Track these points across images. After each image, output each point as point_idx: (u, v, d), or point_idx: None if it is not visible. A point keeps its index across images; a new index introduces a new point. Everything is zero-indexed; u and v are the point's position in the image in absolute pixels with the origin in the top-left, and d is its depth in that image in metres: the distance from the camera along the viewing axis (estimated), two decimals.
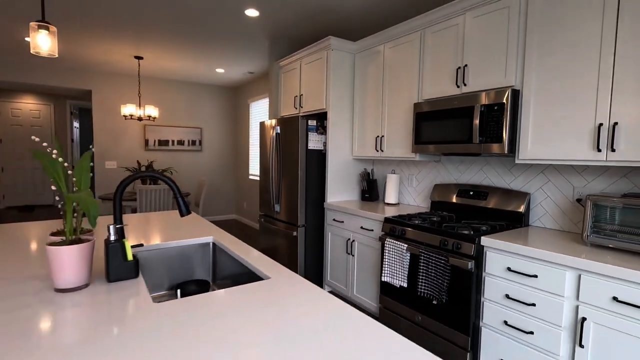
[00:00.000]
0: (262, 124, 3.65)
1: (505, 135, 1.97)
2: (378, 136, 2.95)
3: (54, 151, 1.08)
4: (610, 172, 1.90)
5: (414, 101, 2.61)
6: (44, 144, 1.16)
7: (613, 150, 1.63)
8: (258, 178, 5.93)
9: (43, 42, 1.61)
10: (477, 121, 2.09)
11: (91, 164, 1.16)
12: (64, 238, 1.10)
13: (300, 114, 3.49)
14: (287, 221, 3.28)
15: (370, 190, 3.23)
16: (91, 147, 1.33)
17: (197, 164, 6.32)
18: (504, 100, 1.97)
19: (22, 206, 7.62)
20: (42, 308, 0.93)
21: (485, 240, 1.85)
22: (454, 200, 2.57)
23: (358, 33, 3.57)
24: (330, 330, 0.84)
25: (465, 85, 2.24)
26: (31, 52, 1.59)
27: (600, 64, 1.67)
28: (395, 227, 2.34)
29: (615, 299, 1.41)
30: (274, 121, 3.41)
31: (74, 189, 1.12)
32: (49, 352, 0.73)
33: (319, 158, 3.20)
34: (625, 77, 1.59)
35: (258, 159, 5.74)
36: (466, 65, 2.23)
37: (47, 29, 1.61)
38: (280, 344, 0.77)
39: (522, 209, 2.18)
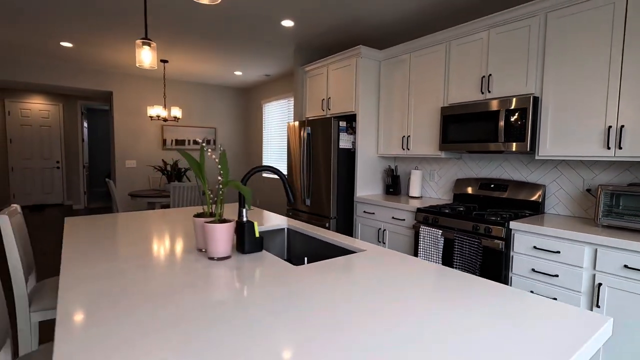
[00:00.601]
0: (290, 125, 3.93)
1: (527, 136, 2.32)
2: (404, 136, 3.28)
3: (209, 150, 1.36)
4: (615, 166, 2.27)
5: (440, 105, 2.94)
6: (205, 146, 1.43)
7: (620, 148, 1.99)
8: (272, 176, 6.20)
9: (146, 56, 1.87)
10: (502, 123, 2.44)
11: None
12: (208, 218, 1.39)
13: (327, 116, 3.79)
14: (317, 214, 3.58)
15: (395, 185, 3.56)
16: (221, 147, 1.61)
17: (212, 162, 6.54)
18: (526, 106, 2.31)
19: (32, 205, 7.69)
20: (211, 270, 1.21)
21: (513, 224, 2.20)
22: (476, 192, 2.92)
23: (380, 41, 3.88)
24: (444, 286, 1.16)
25: (489, 92, 2.59)
26: (136, 65, 1.85)
27: (609, 76, 2.03)
28: (428, 216, 2.67)
29: (625, 266, 1.77)
30: (304, 122, 3.70)
31: (219, 181, 1.40)
32: (240, 298, 1.02)
33: (348, 156, 3.50)
34: (630, 88, 1.95)
35: (272, 156, 6.01)
36: (490, 74, 2.58)
37: (149, 45, 1.88)
38: (411, 289, 1.08)
39: (539, 198, 2.54)
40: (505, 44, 2.50)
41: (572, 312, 0.90)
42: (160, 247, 1.47)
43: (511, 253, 2.23)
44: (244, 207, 1.47)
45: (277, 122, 6.07)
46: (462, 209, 2.66)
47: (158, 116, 4.75)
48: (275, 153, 6.17)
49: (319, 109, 3.89)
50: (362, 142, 3.45)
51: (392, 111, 3.39)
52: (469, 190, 2.97)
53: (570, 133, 2.20)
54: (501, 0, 2.85)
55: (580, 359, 0.72)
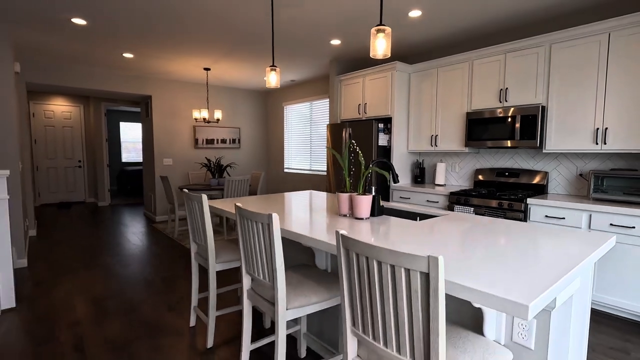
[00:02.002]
0: (330, 126, 4.62)
1: (537, 135, 3.12)
2: (432, 135, 4.04)
3: (346, 150, 2.05)
4: (601, 156, 3.10)
5: (464, 110, 3.72)
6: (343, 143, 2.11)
7: (605, 143, 2.81)
8: (294, 171, 6.86)
9: (273, 78, 2.53)
10: (518, 125, 3.23)
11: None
12: (353, 193, 2.08)
13: (364, 118, 4.50)
14: None
15: (422, 176, 4.33)
16: (354, 144, 2.30)
17: (237, 159, 7.13)
18: (536, 113, 3.11)
19: (58, 203, 8.01)
20: (361, 224, 1.91)
21: (530, 200, 2.99)
22: (493, 179, 3.72)
23: (404, 56, 4.62)
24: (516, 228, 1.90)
25: (506, 101, 3.38)
26: (266, 86, 2.50)
27: (597, 91, 2.85)
28: (460, 198, 3.45)
29: (611, 224, 2.59)
30: (345, 124, 4.39)
31: (352, 168, 2.09)
32: (386, 235, 1.73)
33: (384, 152, 4.23)
34: (612, 100, 2.77)
35: (291, 154, 6.66)
36: (507, 88, 3.37)
37: (275, 70, 2.53)
38: (485, 225, 1.82)
39: (544, 182, 3.35)
40: (518, 65, 3.29)
41: (592, 234, 1.66)
42: (318, 214, 2.15)
43: (528, 221, 3.03)
44: (373, 186, 2.17)
45: (298, 123, 6.73)
46: (485, 191, 3.45)
47: (204, 119, 5.32)
48: (296, 150, 6.83)
49: (355, 112, 4.60)
50: (396, 140, 4.19)
51: (421, 114, 4.15)
52: (487, 177, 3.77)
53: (569, 133, 3.01)
54: (512, 30, 3.64)
55: (599, 255, 1.48)
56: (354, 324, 1.17)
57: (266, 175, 7.61)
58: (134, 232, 5.35)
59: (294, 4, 3.02)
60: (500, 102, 3.42)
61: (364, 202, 2.01)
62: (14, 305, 2.76)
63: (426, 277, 0.91)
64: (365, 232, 1.69)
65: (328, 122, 6.00)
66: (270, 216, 1.47)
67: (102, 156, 7.90)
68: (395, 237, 1.58)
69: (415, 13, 3.21)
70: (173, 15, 3.28)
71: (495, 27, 3.57)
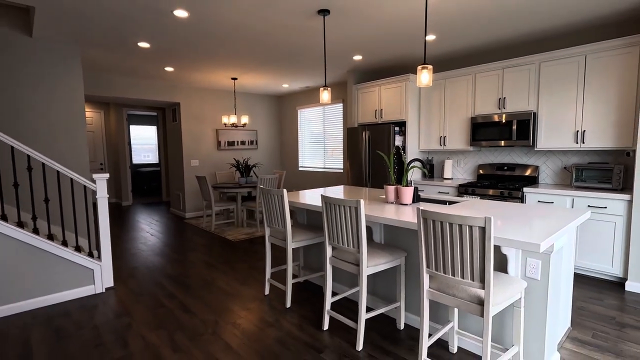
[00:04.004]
0: (350, 129, 5.29)
1: (530, 136, 3.85)
2: (441, 136, 4.75)
3: (390, 153, 2.71)
4: (580, 153, 3.85)
5: (469, 115, 4.43)
6: (378, 152, 2.77)
7: (584, 142, 3.56)
8: (308, 169, 7.51)
9: (325, 96, 3.17)
10: (514, 127, 3.95)
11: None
12: (397, 185, 2.75)
13: (380, 122, 5.17)
14: None
15: (432, 171, 5.03)
16: (399, 147, 2.96)
17: (255, 159, 7.74)
18: (529, 118, 3.84)
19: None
20: (405, 208, 2.58)
21: (525, 189, 3.72)
22: (493, 172, 4.44)
23: (414, 67, 5.30)
24: (519, 207, 2.61)
25: (504, 108, 4.10)
26: (320, 102, 3.14)
27: (576, 100, 3.58)
28: (467, 188, 4.16)
29: (589, 205, 3.33)
30: (364, 127, 5.06)
31: (395, 168, 2.76)
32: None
33: (398, 151, 4.91)
34: (589, 108, 3.51)
35: (305, 153, 7.31)
36: (505, 97, 4.09)
37: (327, 90, 3.17)
38: (498, 205, 2.52)
39: (535, 174, 4.09)
40: (514, 78, 4.00)
41: (575, 210, 2.38)
42: (372, 200, 2.82)
43: None
44: (411, 179, 2.84)
45: (311, 125, 7.37)
46: (487, 183, 4.17)
47: (233, 124, 5.91)
48: (309, 150, 7.48)
49: (372, 117, 5.27)
50: (409, 141, 4.88)
51: (431, 118, 4.85)
52: (488, 171, 4.50)
53: (555, 134, 3.74)
54: (509, 48, 4.35)
55: (580, 221, 2.18)
56: (428, 265, 1.84)
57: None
58: (172, 228, 5.93)
59: (332, 29, 3.66)
60: (499, 108, 4.14)
61: (408, 192, 2.68)
62: (112, 284, 3.35)
63: (482, 230, 1.58)
64: (412, 213, 2.36)
65: (342, 125, 6.66)
66: (358, 201, 2.13)
67: (124, 158, 8.39)
68: None
69: (430, 37, 3.89)
70: (216, 37, 3.88)
71: (495, 46, 4.28)
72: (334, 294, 3.15)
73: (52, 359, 2.20)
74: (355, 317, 2.71)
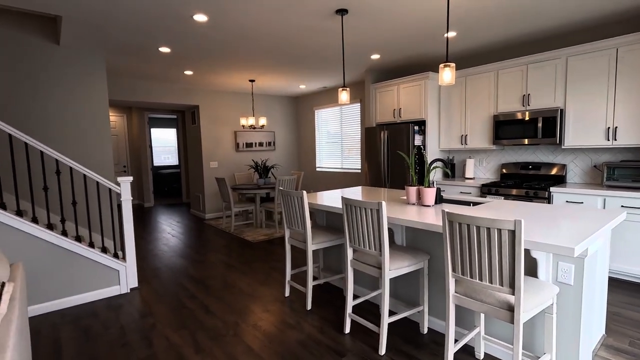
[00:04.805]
0: (368, 129, 5.24)
1: (557, 133, 3.70)
2: (462, 135, 4.63)
3: (410, 155, 2.66)
4: (612, 150, 3.68)
5: (491, 113, 4.30)
6: (398, 151, 2.72)
7: (615, 139, 3.39)
8: (326, 170, 7.49)
9: (344, 96, 3.15)
10: (540, 125, 3.81)
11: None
12: (419, 186, 2.69)
13: (398, 121, 5.10)
14: None
15: (453, 170, 4.92)
16: (421, 148, 2.90)
17: (273, 160, 7.78)
18: (555, 115, 3.69)
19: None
20: (427, 209, 2.52)
21: (552, 189, 3.58)
22: (517, 171, 4.30)
23: (433, 65, 5.20)
24: (542, 208, 2.50)
25: (529, 105, 3.96)
26: (339, 103, 3.12)
27: (607, 95, 3.42)
28: (491, 188, 4.04)
29: (622, 205, 3.17)
30: (382, 127, 5.00)
31: (416, 169, 2.70)
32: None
33: (419, 150, 4.83)
34: (621, 103, 3.35)
35: (322, 154, 7.28)
36: (529, 94, 3.95)
37: (346, 90, 3.15)
38: (524, 206, 2.42)
39: (563, 173, 3.94)
40: (539, 74, 3.86)
41: (608, 211, 2.26)
42: (392, 202, 2.77)
43: None
44: (433, 180, 2.78)
45: (329, 125, 7.34)
46: (511, 182, 4.04)
47: (251, 125, 5.96)
48: (327, 151, 7.45)
49: (390, 116, 5.20)
50: (429, 140, 4.78)
51: (451, 117, 4.74)
52: (512, 170, 4.36)
53: (584, 131, 3.59)
54: (533, 43, 4.20)
55: (615, 223, 2.08)
56: (454, 269, 1.79)
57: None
58: (192, 229, 6.03)
59: (350, 29, 3.63)
60: (523, 105, 4.00)
61: (431, 193, 2.62)
62: (136, 285, 3.43)
63: (512, 234, 1.52)
64: (435, 215, 2.31)
65: (359, 125, 6.61)
66: (380, 203, 2.09)
67: (146, 161, 8.60)
68: None
69: (451, 34, 3.80)
70: (235, 40, 3.90)
71: (518, 41, 4.14)
72: (355, 296, 3.11)
73: (80, 358, 2.26)
74: (377, 320, 2.67)
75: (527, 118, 3.92)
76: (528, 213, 2.25)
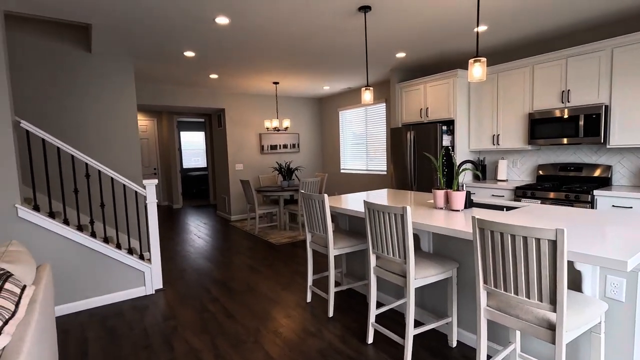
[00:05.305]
0: (393, 130, 5.08)
1: (601, 132, 3.40)
2: (494, 135, 4.38)
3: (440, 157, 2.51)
4: None
5: (526, 111, 4.04)
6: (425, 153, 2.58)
7: None
8: (350, 171, 7.37)
9: (367, 96, 3.04)
10: (581, 123, 3.53)
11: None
12: (448, 189, 2.53)
13: (425, 121, 4.91)
14: None
15: (484, 172, 4.67)
16: (449, 148, 2.76)
17: (297, 162, 7.76)
18: (600, 112, 3.40)
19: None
20: (456, 214, 2.36)
21: (596, 192, 3.29)
22: (555, 173, 4.01)
23: (459, 62, 4.98)
24: (581, 213, 2.28)
25: (568, 102, 3.67)
26: (362, 103, 3.01)
27: None
28: (526, 191, 3.79)
29: None
30: (408, 127, 4.83)
31: (444, 171, 2.55)
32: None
33: (446, 152, 4.62)
34: None
35: (346, 155, 7.16)
36: (569, 89, 3.67)
37: (369, 90, 3.04)
38: (565, 211, 2.21)
39: (608, 175, 3.62)
40: (580, 68, 3.58)
41: None
42: (419, 205, 2.63)
43: None
44: (462, 184, 2.61)
45: (353, 126, 7.23)
46: (549, 185, 3.77)
47: (274, 128, 5.95)
48: (351, 152, 7.34)
49: (417, 116, 5.02)
50: (458, 141, 4.57)
51: (482, 116, 4.50)
52: (550, 172, 4.07)
53: (633, 129, 3.28)
54: (571, 36, 3.91)
55: None
56: (485, 281, 1.64)
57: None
58: (218, 230, 6.10)
59: (374, 26, 3.52)
60: (562, 102, 3.72)
61: (460, 197, 2.46)
62: (161, 286, 3.47)
63: (553, 244, 1.37)
64: (465, 220, 2.15)
65: (385, 126, 6.45)
66: (404, 208, 1.97)
67: (175, 164, 8.83)
68: None
69: (482, 28, 3.60)
70: (257, 41, 3.88)
71: (554, 34, 3.86)
72: (378, 304, 2.99)
73: (105, 358, 2.29)
74: (402, 331, 2.54)
75: (566, 116, 3.64)
76: (570, 219, 2.04)
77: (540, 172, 4.16)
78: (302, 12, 3.02)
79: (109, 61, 4.13)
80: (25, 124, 2.85)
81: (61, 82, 3.85)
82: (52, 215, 2.96)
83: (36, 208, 2.90)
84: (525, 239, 1.44)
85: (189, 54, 4.14)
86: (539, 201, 3.66)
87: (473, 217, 1.62)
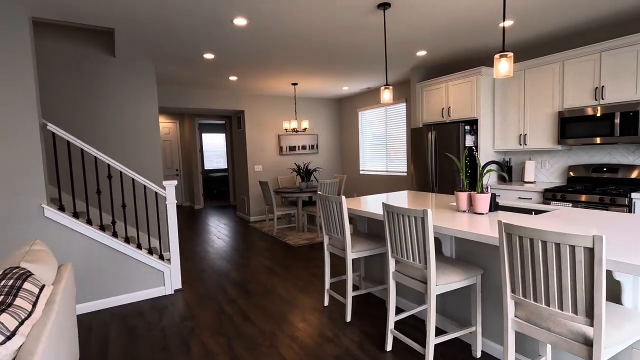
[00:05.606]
0: (414, 130, 4.96)
1: (639, 130, 3.18)
2: (520, 134, 4.19)
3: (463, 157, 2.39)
4: None
5: (556, 109, 3.83)
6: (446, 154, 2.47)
7: None
8: (370, 173, 7.26)
9: (386, 96, 2.96)
10: (617, 121, 3.31)
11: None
12: (472, 191, 2.42)
13: (447, 121, 4.76)
14: None
15: (509, 173, 4.48)
16: (473, 149, 2.64)
17: (315, 163, 7.72)
18: (638, 109, 3.17)
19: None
20: (481, 218, 2.24)
21: (634, 195, 3.08)
22: (588, 174, 3.78)
23: (480, 59, 4.80)
24: (611, 217, 2.11)
25: (602, 99, 3.46)
26: (381, 102, 2.93)
27: None
28: (555, 194, 3.59)
29: None
30: (429, 127, 4.70)
31: (467, 172, 2.43)
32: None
33: (469, 152, 4.45)
34: None
35: (366, 156, 7.06)
36: (603, 86, 3.45)
37: (389, 89, 2.96)
38: (599, 215, 2.05)
39: None
40: (615, 62, 3.36)
41: None
42: (440, 208, 2.53)
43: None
44: (487, 186, 2.49)
45: (373, 127, 7.12)
46: (581, 187, 3.55)
47: (293, 129, 5.94)
48: (370, 153, 7.23)
49: (439, 116, 4.88)
50: (482, 141, 4.40)
51: (507, 115, 4.31)
52: (582, 173, 3.84)
53: None
54: (605, 29, 3.68)
55: None
56: (513, 290, 1.53)
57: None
58: (237, 231, 6.14)
59: (393, 24, 3.43)
60: (596, 99, 3.51)
61: (484, 200, 2.34)
62: (180, 287, 3.51)
63: (590, 251, 1.25)
64: (490, 224, 2.03)
65: (405, 126, 6.32)
66: (425, 211, 1.88)
67: (196, 165, 8.99)
68: None
69: (508, 23, 3.44)
70: (275, 42, 3.86)
71: (585, 27, 3.65)
72: (398, 310, 2.90)
73: (125, 358, 2.31)
74: (422, 338, 2.44)
75: (600, 114, 3.42)
76: (606, 224, 1.90)
77: (571, 174, 3.94)
78: (320, 10, 2.98)
79: (132, 65, 4.22)
80: (51, 127, 2.94)
81: (86, 86, 3.97)
82: (76, 215, 3.03)
83: (61, 208, 2.98)
84: (558, 245, 1.33)
85: (209, 56, 4.18)
86: (570, 204, 3.46)
87: (499, 222, 1.52)
